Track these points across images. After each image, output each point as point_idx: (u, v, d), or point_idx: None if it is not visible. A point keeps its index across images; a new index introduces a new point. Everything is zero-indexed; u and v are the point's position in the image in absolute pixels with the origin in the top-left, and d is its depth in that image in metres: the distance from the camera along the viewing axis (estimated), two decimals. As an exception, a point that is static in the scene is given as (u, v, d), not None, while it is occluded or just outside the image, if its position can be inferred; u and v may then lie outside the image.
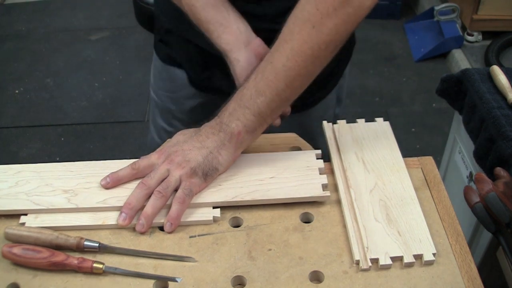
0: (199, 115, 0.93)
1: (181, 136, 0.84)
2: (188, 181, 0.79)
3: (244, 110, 0.79)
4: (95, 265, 0.72)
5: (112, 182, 0.81)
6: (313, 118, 1.08)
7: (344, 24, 0.75)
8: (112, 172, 0.82)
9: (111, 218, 0.78)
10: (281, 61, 0.76)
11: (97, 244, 0.75)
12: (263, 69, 0.78)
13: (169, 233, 0.78)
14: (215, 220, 0.79)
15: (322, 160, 0.86)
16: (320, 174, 0.84)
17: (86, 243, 0.74)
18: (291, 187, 0.81)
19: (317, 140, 1.01)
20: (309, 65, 0.77)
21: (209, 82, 1.04)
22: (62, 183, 0.82)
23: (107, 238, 0.77)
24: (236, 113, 0.80)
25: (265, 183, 0.82)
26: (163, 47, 1.08)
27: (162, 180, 0.79)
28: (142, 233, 0.77)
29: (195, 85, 1.07)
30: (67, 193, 0.81)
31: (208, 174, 0.80)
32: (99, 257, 0.74)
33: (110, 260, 0.74)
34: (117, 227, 0.78)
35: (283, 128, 0.90)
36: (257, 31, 0.89)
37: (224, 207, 0.81)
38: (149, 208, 0.77)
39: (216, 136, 0.81)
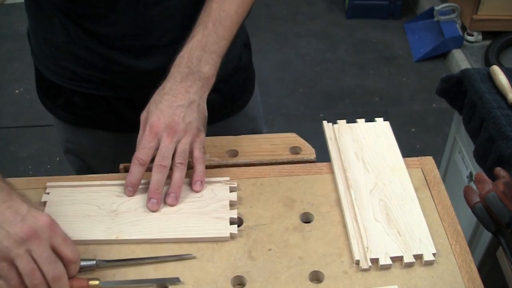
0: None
1: (160, 104, 0.80)
2: (198, 140, 0.81)
3: (211, 54, 0.83)
4: (90, 282, 0.69)
5: (134, 189, 0.80)
6: (236, 126, 1.09)
7: None
8: (127, 179, 0.80)
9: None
10: (233, 8, 0.86)
11: (94, 262, 0.72)
12: (218, 18, 0.84)
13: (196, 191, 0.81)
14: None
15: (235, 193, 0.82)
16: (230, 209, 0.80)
17: (82, 263, 0.70)
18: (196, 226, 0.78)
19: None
20: (248, 8, 0.89)
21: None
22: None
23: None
24: (205, 58, 0.82)
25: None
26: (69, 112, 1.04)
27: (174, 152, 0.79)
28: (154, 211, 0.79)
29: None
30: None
31: (204, 124, 0.83)
32: (98, 272, 0.72)
33: (110, 271, 0.72)
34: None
35: (213, 135, 0.93)
36: (138, 87, 0.92)
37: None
38: (175, 183, 0.79)
39: (195, 86, 0.81)
